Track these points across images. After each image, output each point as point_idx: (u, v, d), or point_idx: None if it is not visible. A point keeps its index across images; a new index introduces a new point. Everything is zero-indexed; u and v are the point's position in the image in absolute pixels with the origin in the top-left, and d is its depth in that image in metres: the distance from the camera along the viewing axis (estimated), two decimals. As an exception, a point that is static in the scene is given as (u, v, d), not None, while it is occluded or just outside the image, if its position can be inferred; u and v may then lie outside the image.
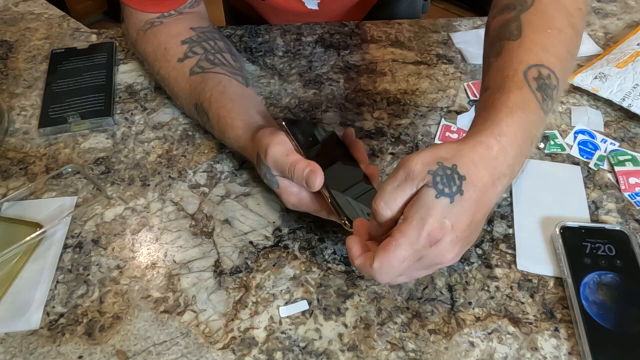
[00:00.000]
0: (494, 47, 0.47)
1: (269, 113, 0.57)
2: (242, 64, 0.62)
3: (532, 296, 0.48)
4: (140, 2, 0.62)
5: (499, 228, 0.53)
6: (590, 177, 0.58)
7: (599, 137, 0.61)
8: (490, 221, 0.54)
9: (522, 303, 0.48)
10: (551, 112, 0.45)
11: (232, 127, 0.54)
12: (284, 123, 0.49)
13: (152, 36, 0.62)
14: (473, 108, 0.65)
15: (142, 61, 0.67)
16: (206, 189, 0.57)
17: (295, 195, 0.48)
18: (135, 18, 0.63)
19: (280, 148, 0.47)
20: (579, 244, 0.49)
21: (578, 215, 0.54)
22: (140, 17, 0.63)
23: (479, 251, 0.51)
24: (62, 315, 0.47)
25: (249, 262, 0.51)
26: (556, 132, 0.62)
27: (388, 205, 0.38)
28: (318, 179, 0.45)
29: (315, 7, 0.77)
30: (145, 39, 0.63)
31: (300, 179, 0.46)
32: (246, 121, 0.54)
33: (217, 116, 0.55)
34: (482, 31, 0.75)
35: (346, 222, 0.45)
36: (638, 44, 0.68)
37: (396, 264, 0.37)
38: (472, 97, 0.67)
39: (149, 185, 0.58)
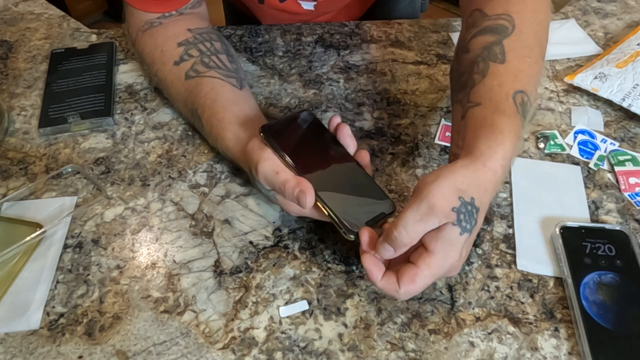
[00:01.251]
0: (477, 65, 0.50)
1: (262, 115, 0.57)
2: (238, 65, 0.62)
3: (532, 296, 0.48)
4: (143, 2, 0.62)
5: (499, 228, 0.53)
6: (590, 177, 0.58)
7: (599, 137, 0.61)
8: (490, 221, 0.54)
9: (522, 303, 0.48)
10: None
11: (223, 138, 0.54)
12: (261, 134, 0.48)
13: (149, 37, 0.62)
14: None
15: (141, 62, 0.67)
16: (206, 189, 0.57)
17: (294, 205, 0.48)
18: (136, 18, 0.63)
19: (269, 165, 0.47)
20: (579, 244, 0.49)
21: (578, 215, 0.54)
22: (140, 16, 0.63)
23: (479, 251, 0.51)
24: (62, 315, 0.47)
25: (249, 262, 0.51)
26: (556, 132, 0.62)
27: (409, 234, 0.40)
28: (308, 199, 0.45)
29: (312, 8, 0.77)
30: (143, 40, 0.63)
31: (292, 198, 0.45)
32: (235, 132, 0.53)
33: (210, 125, 0.56)
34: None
35: (346, 233, 0.45)
36: (638, 44, 0.68)
37: (419, 289, 0.42)
38: (472, 97, 0.67)
39: (149, 185, 0.58)
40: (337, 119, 0.51)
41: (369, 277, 0.43)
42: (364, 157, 0.50)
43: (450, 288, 0.49)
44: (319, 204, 0.46)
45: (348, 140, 0.50)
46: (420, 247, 0.42)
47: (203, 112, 0.56)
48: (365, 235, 0.44)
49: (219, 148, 0.57)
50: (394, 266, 0.43)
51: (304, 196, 0.44)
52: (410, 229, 0.40)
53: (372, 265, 0.43)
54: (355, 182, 0.48)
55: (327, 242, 0.52)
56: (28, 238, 0.51)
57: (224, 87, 0.58)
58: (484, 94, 0.48)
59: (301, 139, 0.50)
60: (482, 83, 0.49)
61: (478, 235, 0.52)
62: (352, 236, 0.45)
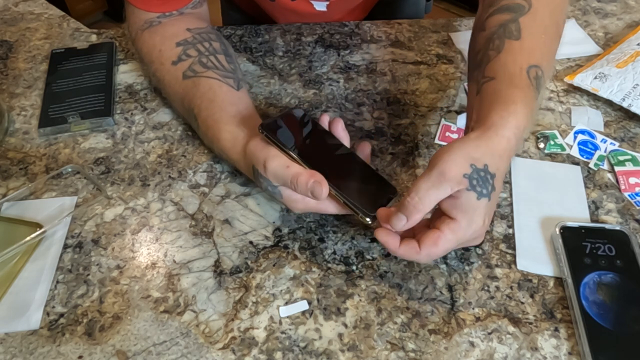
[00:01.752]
0: (493, 42, 0.52)
1: (258, 116, 0.57)
2: (236, 65, 0.62)
3: (532, 296, 0.48)
4: (144, 1, 0.62)
5: (499, 228, 0.53)
6: (590, 177, 0.58)
7: (599, 137, 0.61)
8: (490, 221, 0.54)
9: (522, 303, 0.48)
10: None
11: (219, 139, 0.54)
12: (263, 132, 0.48)
13: (148, 37, 0.62)
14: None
15: (140, 61, 0.67)
16: (206, 189, 0.57)
17: (301, 201, 0.48)
18: (136, 17, 0.63)
19: (278, 161, 0.47)
20: (579, 244, 0.49)
21: (578, 215, 0.54)
22: (141, 16, 0.63)
23: (479, 251, 0.51)
24: (62, 315, 0.47)
25: (249, 262, 0.51)
26: (556, 132, 0.62)
27: (421, 200, 0.42)
28: (324, 190, 0.45)
29: (324, 9, 0.77)
30: (142, 40, 0.63)
31: (305, 190, 0.46)
32: (233, 132, 0.53)
33: (206, 125, 0.55)
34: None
35: (363, 217, 0.46)
36: (638, 44, 0.68)
37: (441, 252, 0.43)
38: (472, 97, 0.67)
39: (149, 185, 0.58)
40: (327, 117, 0.52)
41: (387, 247, 0.44)
42: (365, 149, 0.51)
43: (450, 288, 0.49)
44: (332, 193, 0.47)
45: (342, 133, 0.51)
46: (444, 215, 0.43)
47: (199, 113, 0.56)
48: (383, 212, 0.45)
49: (215, 149, 0.57)
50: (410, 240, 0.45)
51: (319, 187, 0.45)
52: (422, 195, 0.41)
53: (387, 236, 0.44)
54: (358, 171, 0.50)
55: (327, 242, 0.52)
56: (28, 238, 0.51)
57: (221, 87, 0.57)
58: (498, 69, 0.50)
59: (300, 134, 0.50)
60: (497, 59, 0.50)
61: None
62: (368, 220, 0.46)
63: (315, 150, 0.49)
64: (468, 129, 0.50)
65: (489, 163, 0.42)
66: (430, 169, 0.42)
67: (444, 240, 0.42)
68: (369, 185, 0.49)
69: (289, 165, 0.46)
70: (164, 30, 0.62)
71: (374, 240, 0.52)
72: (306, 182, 0.45)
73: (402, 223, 0.43)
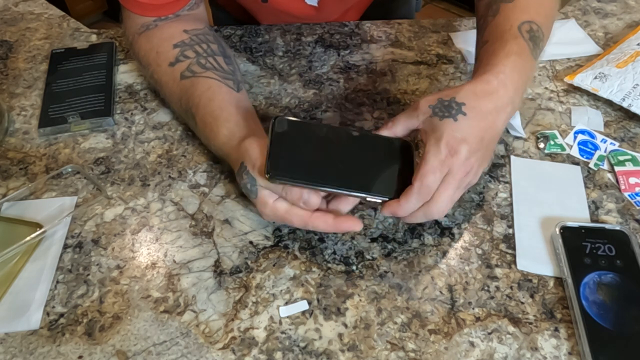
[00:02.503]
0: (491, 8, 0.56)
1: (257, 118, 0.56)
2: (235, 67, 0.62)
3: (532, 296, 0.48)
4: (140, 7, 0.61)
5: (499, 228, 0.53)
6: (590, 177, 0.58)
7: (599, 137, 0.61)
8: (490, 221, 0.54)
9: (522, 303, 0.48)
10: (539, 59, 0.55)
11: (217, 134, 0.53)
12: (271, 178, 0.45)
13: (145, 40, 0.62)
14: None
15: (138, 64, 0.67)
16: (206, 189, 0.57)
17: (270, 206, 0.47)
18: (133, 21, 0.63)
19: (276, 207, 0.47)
20: (579, 244, 0.49)
21: (578, 215, 0.54)
22: (137, 20, 0.63)
23: (479, 251, 0.51)
24: (62, 315, 0.47)
25: (249, 262, 0.51)
26: (556, 132, 0.62)
27: (395, 125, 0.48)
28: (314, 199, 0.46)
29: (315, 4, 0.77)
30: (139, 43, 0.63)
31: (297, 199, 0.46)
32: (231, 129, 0.53)
33: (204, 122, 0.55)
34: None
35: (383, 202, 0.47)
36: (638, 44, 0.68)
37: (431, 178, 0.44)
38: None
39: (149, 185, 0.58)
40: None
41: (386, 211, 0.46)
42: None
43: (450, 288, 0.49)
44: (346, 196, 0.47)
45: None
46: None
47: (197, 111, 0.56)
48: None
49: (211, 146, 0.56)
50: None
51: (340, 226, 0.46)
52: (395, 120, 0.48)
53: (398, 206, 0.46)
54: (370, 153, 0.48)
55: (327, 242, 0.52)
56: (28, 238, 0.51)
57: (221, 87, 0.57)
58: (492, 31, 0.54)
59: (304, 154, 0.46)
60: (492, 22, 0.54)
61: (478, 235, 0.52)
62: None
63: (323, 162, 0.46)
64: None
65: (458, 96, 0.46)
66: (409, 106, 0.49)
67: (424, 162, 0.44)
68: (384, 164, 0.48)
69: (286, 218, 0.47)
70: (160, 32, 0.62)
71: (374, 240, 0.52)
72: (300, 195, 0.45)
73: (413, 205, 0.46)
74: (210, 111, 0.55)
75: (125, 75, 0.71)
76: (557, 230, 0.50)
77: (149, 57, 0.61)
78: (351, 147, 0.48)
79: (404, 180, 0.47)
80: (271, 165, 0.44)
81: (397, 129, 0.48)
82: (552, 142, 0.61)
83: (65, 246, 0.52)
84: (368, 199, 0.46)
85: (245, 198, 0.56)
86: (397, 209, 0.46)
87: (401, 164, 0.48)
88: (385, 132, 0.49)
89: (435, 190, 0.45)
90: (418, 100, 0.48)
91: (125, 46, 0.76)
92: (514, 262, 0.50)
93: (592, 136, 0.62)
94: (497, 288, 0.49)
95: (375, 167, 0.47)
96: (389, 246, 0.52)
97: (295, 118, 0.50)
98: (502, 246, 0.52)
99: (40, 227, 0.52)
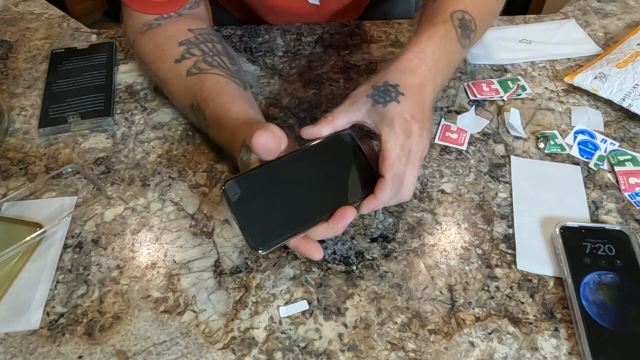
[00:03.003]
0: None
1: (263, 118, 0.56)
2: (240, 68, 0.62)
3: (532, 296, 0.48)
4: (142, 4, 0.61)
5: (499, 228, 0.53)
6: (590, 177, 0.58)
7: (599, 137, 0.61)
8: (490, 221, 0.54)
9: (522, 303, 0.48)
10: (468, 49, 0.58)
11: (229, 125, 0.52)
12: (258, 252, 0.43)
13: (149, 38, 0.62)
14: (473, 108, 0.65)
15: (140, 63, 0.67)
16: (206, 189, 0.57)
17: None
18: (134, 19, 0.63)
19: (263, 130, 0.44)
20: (579, 244, 0.49)
21: (578, 215, 0.54)
22: (139, 18, 0.63)
23: (479, 251, 0.51)
24: (62, 315, 0.47)
25: (249, 262, 0.51)
26: (556, 132, 0.62)
27: (335, 119, 0.48)
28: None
29: (317, 2, 0.77)
30: (142, 41, 0.63)
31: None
32: (244, 120, 0.52)
33: (214, 115, 0.54)
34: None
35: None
36: (638, 44, 0.68)
37: (399, 165, 0.46)
38: (472, 97, 0.67)
39: (149, 185, 0.58)
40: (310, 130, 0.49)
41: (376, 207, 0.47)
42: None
43: (450, 288, 0.49)
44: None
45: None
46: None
47: (207, 105, 0.55)
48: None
49: (222, 136, 0.54)
50: None
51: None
52: (335, 115, 0.48)
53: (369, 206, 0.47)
54: (325, 166, 0.47)
55: (327, 242, 0.52)
56: (28, 238, 0.51)
57: (229, 83, 0.57)
58: (426, 16, 0.56)
59: (271, 207, 0.44)
60: (429, 8, 0.57)
61: (478, 235, 0.52)
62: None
63: (293, 201, 0.44)
64: None
65: (389, 79, 0.48)
66: (344, 100, 0.50)
67: (388, 151, 0.46)
68: (342, 169, 0.47)
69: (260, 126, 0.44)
70: (164, 31, 0.62)
71: (374, 240, 0.52)
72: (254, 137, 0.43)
73: (319, 133, 0.47)
74: (221, 103, 0.54)
75: (125, 75, 0.71)
76: (557, 230, 0.50)
77: (153, 54, 0.61)
78: (306, 172, 0.45)
79: (365, 171, 0.47)
80: (255, 242, 0.42)
81: (338, 122, 0.48)
82: (552, 142, 0.61)
83: (65, 246, 0.52)
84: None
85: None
86: (375, 204, 0.46)
87: (354, 158, 0.48)
88: (325, 127, 0.48)
89: (404, 174, 0.46)
90: (353, 94, 0.49)
91: (125, 46, 0.76)
92: (514, 262, 0.50)
93: (592, 136, 0.62)
94: (497, 288, 0.49)
95: (337, 176, 0.47)
96: (389, 246, 0.52)
97: (237, 174, 0.44)
98: (502, 246, 0.52)
99: (40, 227, 0.52)
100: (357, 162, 0.48)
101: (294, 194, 0.44)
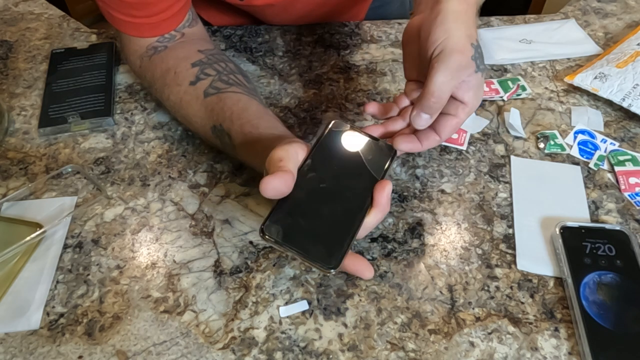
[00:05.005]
0: None
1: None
2: (254, 85, 0.59)
3: (532, 296, 0.48)
4: (137, 29, 0.59)
5: (499, 228, 0.53)
6: (590, 177, 0.58)
7: (599, 137, 0.61)
8: (490, 221, 0.54)
9: (522, 303, 0.48)
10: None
11: (260, 142, 0.49)
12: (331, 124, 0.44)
13: (159, 61, 0.59)
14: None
15: (150, 87, 0.63)
16: (206, 189, 0.57)
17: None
18: (135, 44, 0.61)
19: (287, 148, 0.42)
20: (579, 244, 0.49)
21: (578, 215, 0.54)
22: (139, 43, 0.60)
23: (479, 251, 0.51)
24: (62, 315, 0.47)
25: (249, 262, 0.51)
26: (556, 132, 0.62)
27: (443, 96, 0.43)
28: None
29: None
30: (152, 65, 0.60)
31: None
32: (278, 135, 0.49)
33: (242, 133, 0.51)
34: (482, 31, 0.75)
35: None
36: (638, 44, 0.68)
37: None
38: (472, 97, 0.67)
39: (149, 185, 0.58)
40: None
41: (413, 150, 0.46)
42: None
43: (450, 288, 0.49)
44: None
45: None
46: (451, 98, 0.45)
47: (232, 124, 0.52)
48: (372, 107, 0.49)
49: (254, 154, 0.50)
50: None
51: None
52: (444, 89, 0.43)
53: (408, 142, 0.46)
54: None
55: (327, 242, 0.52)
56: (28, 238, 0.51)
57: (251, 100, 0.54)
58: None
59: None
60: None
61: (478, 235, 0.53)
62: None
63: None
64: (416, 13, 0.49)
65: (473, 34, 0.44)
66: (442, 59, 0.42)
67: (460, 123, 0.46)
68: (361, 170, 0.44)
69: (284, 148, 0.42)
70: (175, 53, 0.59)
71: (374, 240, 0.52)
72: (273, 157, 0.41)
73: (427, 121, 0.45)
74: (247, 120, 0.51)
75: (125, 75, 0.71)
76: (557, 230, 0.50)
77: (165, 79, 0.58)
78: (326, 177, 0.43)
79: (372, 145, 0.45)
80: (325, 264, 0.40)
81: (444, 99, 0.44)
82: (552, 142, 0.61)
83: (65, 246, 0.52)
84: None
85: (245, 198, 0.56)
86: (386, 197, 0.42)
87: (357, 140, 0.46)
88: (434, 104, 0.43)
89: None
90: (451, 55, 0.42)
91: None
92: (514, 262, 0.50)
93: (592, 136, 0.62)
94: (497, 288, 0.49)
95: (354, 163, 0.44)
96: (389, 246, 0.52)
97: (267, 216, 0.41)
98: (502, 246, 0.52)
99: (40, 227, 0.52)
100: (361, 142, 0.45)
101: (327, 202, 0.42)
